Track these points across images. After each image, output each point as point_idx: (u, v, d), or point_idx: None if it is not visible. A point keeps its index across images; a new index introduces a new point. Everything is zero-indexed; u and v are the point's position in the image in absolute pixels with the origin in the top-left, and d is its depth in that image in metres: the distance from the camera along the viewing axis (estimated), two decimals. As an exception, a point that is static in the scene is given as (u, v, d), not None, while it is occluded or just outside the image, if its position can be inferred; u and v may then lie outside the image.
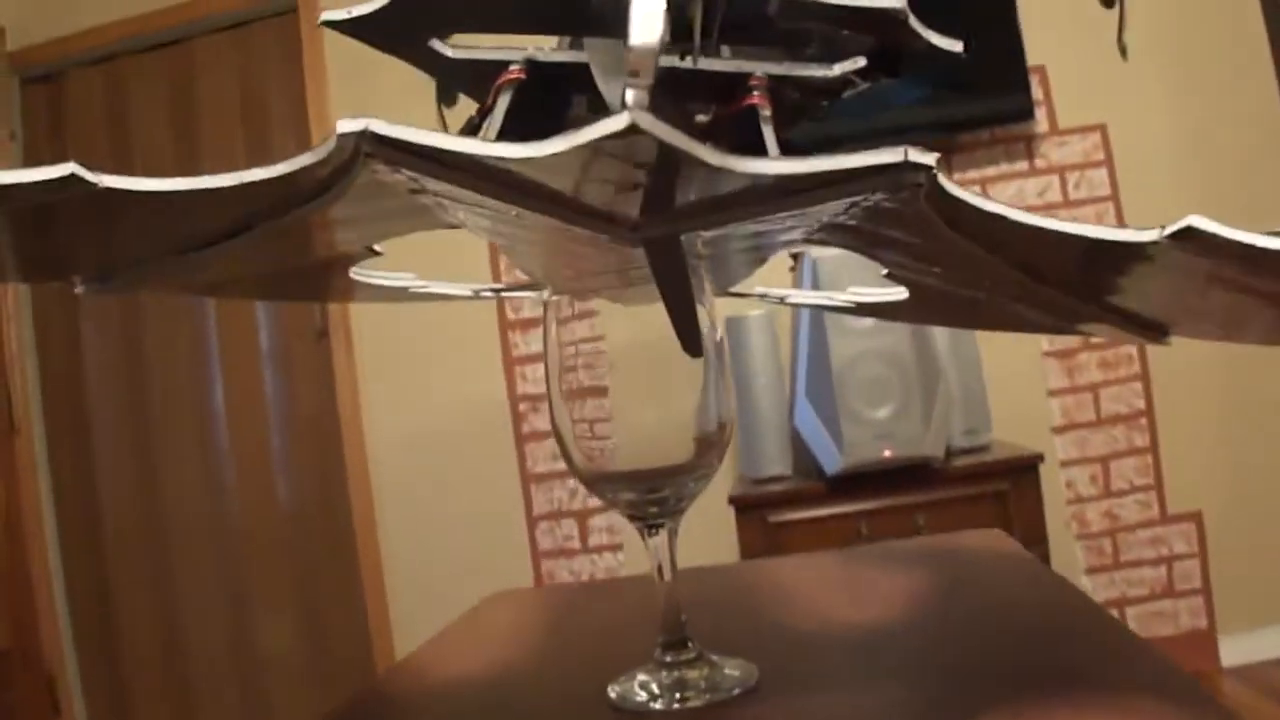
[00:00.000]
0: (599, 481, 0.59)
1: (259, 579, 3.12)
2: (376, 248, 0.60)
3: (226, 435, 3.15)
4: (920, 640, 0.65)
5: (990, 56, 2.70)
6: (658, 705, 0.57)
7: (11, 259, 0.50)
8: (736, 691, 0.57)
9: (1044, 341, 2.82)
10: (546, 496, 3.01)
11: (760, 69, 0.46)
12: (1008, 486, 2.22)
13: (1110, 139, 2.82)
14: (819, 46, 0.46)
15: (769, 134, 0.46)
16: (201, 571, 3.14)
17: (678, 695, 0.57)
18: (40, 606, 3.10)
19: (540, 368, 2.95)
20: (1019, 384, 2.77)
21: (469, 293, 0.82)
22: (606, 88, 0.45)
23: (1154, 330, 0.59)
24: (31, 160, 3.16)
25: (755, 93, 0.46)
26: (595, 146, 0.30)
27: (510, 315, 2.99)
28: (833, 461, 2.19)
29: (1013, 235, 0.42)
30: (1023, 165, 2.82)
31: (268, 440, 3.14)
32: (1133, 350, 2.80)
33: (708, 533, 2.66)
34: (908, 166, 0.36)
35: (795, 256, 2.33)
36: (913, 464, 2.19)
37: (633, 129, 0.26)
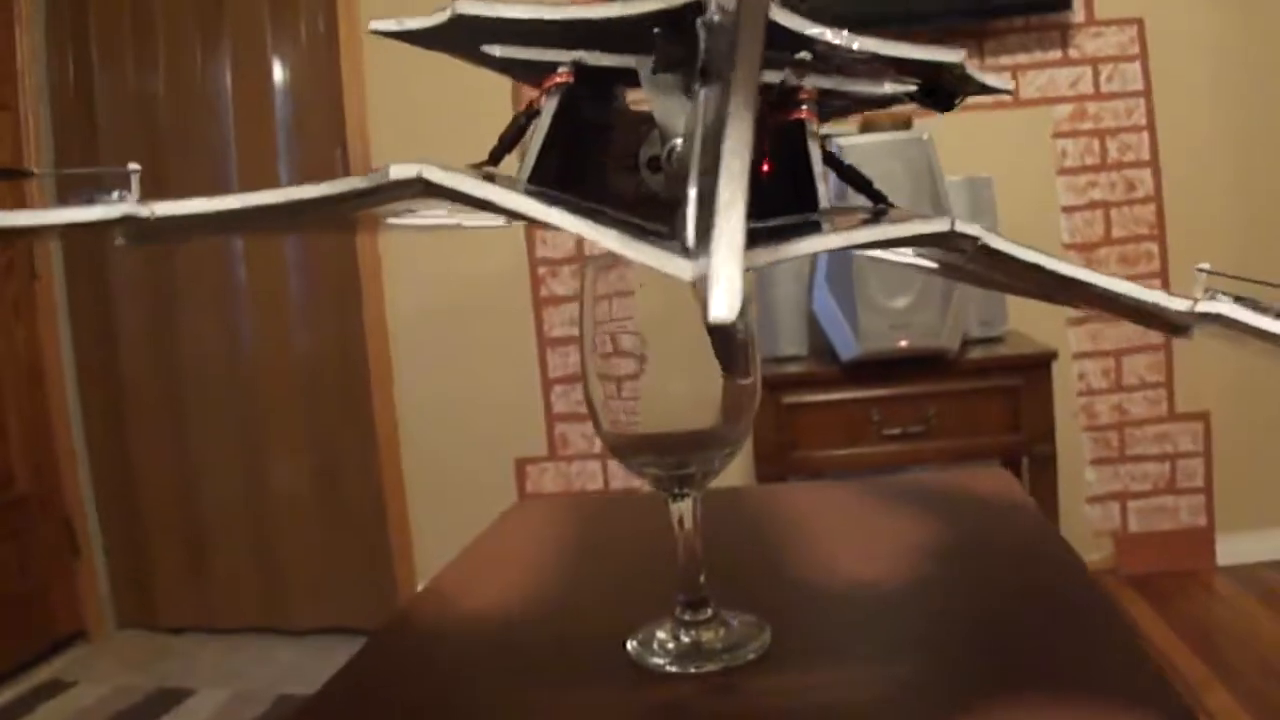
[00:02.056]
0: (626, 450, 0.60)
1: (274, 426, 3.16)
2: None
3: (245, 281, 3.15)
4: (922, 605, 0.67)
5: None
6: (674, 669, 0.59)
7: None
8: (751, 656, 0.59)
9: (1064, 234, 2.81)
10: (562, 360, 3.03)
11: (810, 82, 0.46)
12: (1020, 382, 2.23)
13: (1147, 33, 2.76)
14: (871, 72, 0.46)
15: (815, 150, 0.46)
16: (217, 417, 3.17)
17: (694, 661, 0.59)
18: (60, 451, 3.16)
19: (561, 235, 2.95)
20: (1038, 274, 2.76)
21: (503, 222, 0.82)
22: (656, 104, 0.45)
23: (1176, 329, 0.59)
24: (53, 11, 3.12)
25: (804, 107, 0.46)
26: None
27: (534, 179, 2.97)
28: (849, 348, 2.20)
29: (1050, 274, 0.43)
30: (1056, 54, 2.76)
31: (286, 288, 3.14)
32: (1154, 247, 2.79)
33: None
34: (954, 235, 0.37)
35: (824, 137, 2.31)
36: (927, 355, 2.20)
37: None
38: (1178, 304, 0.40)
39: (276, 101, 3.08)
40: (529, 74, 0.49)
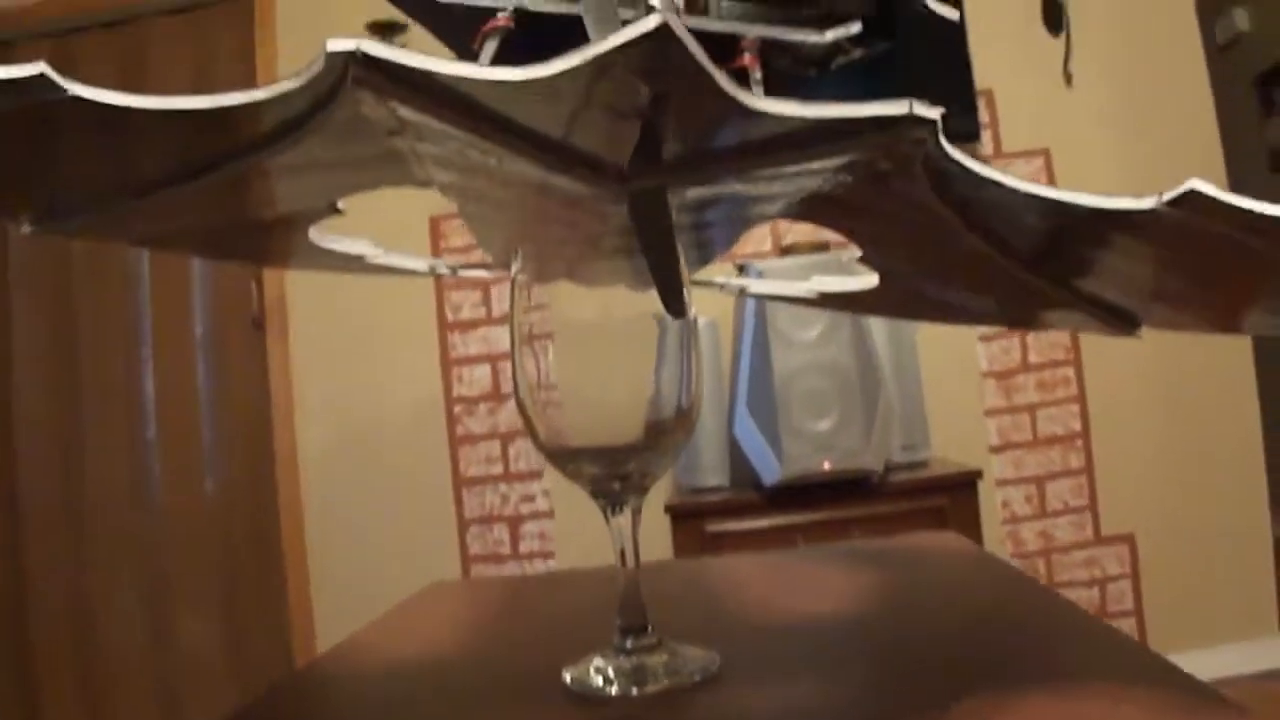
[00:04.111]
0: (561, 456, 0.57)
1: (180, 573, 3.05)
2: (339, 205, 0.58)
3: (155, 425, 3.08)
4: (881, 630, 0.64)
5: (939, 77, 2.72)
6: (615, 691, 0.55)
7: None
8: (698, 678, 0.56)
9: (983, 361, 2.84)
10: (478, 500, 2.98)
11: (752, 31, 0.45)
12: (946, 502, 2.22)
13: (1054, 164, 2.85)
14: (814, 7, 0.45)
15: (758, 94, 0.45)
16: (121, 562, 3.06)
17: (637, 682, 0.55)
18: (-49, 588, 3.02)
19: (477, 369, 2.94)
20: (957, 403, 2.79)
21: (425, 267, 0.80)
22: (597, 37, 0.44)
23: (1124, 321, 0.58)
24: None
25: (746, 54, 0.45)
26: (604, 65, 0.28)
27: (449, 316, 2.96)
28: (771, 473, 2.18)
29: (998, 207, 0.42)
30: (968, 186, 2.83)
31: (197, 431, 3.08)
32: (1070, 372, 2.83)
33: (642, 540, 2.65)
34: (912, 120, 0.35)
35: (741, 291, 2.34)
36: (852, 477, 2.18)
37: (663, 31, 0.24)
38: (1145, 202, 0.39)
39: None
40: (471, 24, 0.47)
